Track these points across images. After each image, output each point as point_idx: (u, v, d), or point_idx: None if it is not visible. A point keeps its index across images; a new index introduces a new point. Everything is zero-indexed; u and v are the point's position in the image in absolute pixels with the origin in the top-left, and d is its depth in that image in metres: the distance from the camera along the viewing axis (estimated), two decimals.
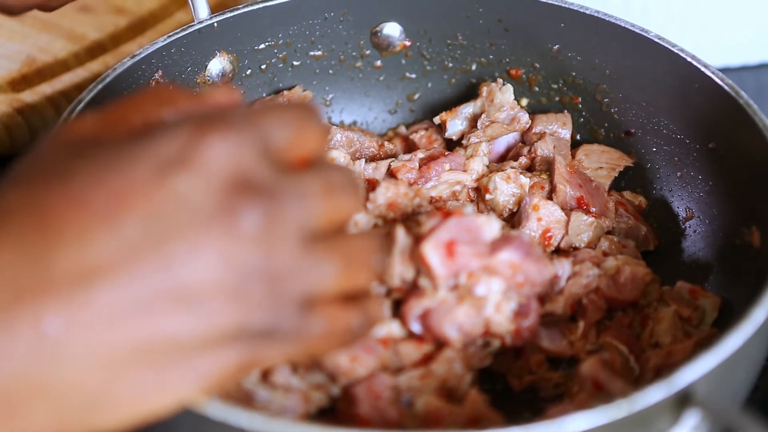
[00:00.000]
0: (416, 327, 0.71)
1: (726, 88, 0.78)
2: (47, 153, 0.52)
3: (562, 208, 0.80)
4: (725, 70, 0.89)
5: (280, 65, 0.90)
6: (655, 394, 0.57)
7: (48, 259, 0.48)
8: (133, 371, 0.49)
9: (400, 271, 0.71)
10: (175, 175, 0.49)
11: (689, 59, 0.80)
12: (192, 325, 0.49)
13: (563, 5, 0.86)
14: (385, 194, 0.76)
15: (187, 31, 0.84)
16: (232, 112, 0.53)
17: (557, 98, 0.91)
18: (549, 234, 0.79)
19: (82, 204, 0.49)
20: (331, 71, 0.92)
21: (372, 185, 0.79)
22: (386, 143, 0.89)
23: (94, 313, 0.48)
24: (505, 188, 0.81)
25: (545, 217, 0.79)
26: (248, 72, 0.89)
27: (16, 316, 0.47)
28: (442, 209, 0.74)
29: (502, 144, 0.88)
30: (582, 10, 0.86)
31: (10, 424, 0.48)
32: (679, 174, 0.85)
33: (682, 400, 0.58)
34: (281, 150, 0.53)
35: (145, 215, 0.49)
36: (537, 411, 0.70)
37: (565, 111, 0.90)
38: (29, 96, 0.96)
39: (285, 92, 0.89)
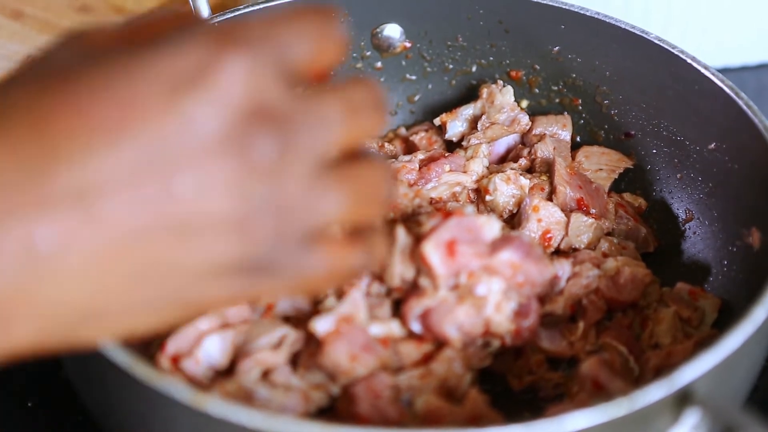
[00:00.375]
0: (416, 326, 0.71)
1: (726, 89, 0.78)
2: (57, 55, 0.50)
3: (562, 210, 0.80)
4: (725, 71, 0.89)
5: None
6: (655, 392, 0.57)
7: (44, 172, 0.46)
8: (125, 292, 0.48)
9: (401, 270, 0.71)
10: (188, 96, 0.47)
11: (689, 61, 0.81)
12: (191, 255, 0.48)
13: (564, 7, 0.86)
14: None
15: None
16: (250, 27, 0.50)
17: (557, 100, 0.91)
18: (549, 235, 0.79)
19: (85, 114, 0.46)
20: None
21: None
22: (386, 144, 0.89)
23: (90, 233, 0.46)
24: (505, 189, 0.81)
25: (545, 218, 0.79)
26: None
27: (6, 229, 0.45)
28: (442, 210, 0.74)
29: (502, 145, 0.88)
30: (582, 12, 0.86)
31: None
32: (679, 176, 0.85)
33: (682, 399, 0.58)
34: (299, 66, 0.51)
35: (153, 136, 0.46)
36: (537, 411, 0.70)
37: (565, 113, 0.90)
38: None
39: None
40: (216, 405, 0.56)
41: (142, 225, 0.47)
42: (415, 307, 0.70)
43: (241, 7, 0.86)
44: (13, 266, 0.46)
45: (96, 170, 0.46)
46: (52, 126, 0.46)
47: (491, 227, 0.72)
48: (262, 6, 0.86)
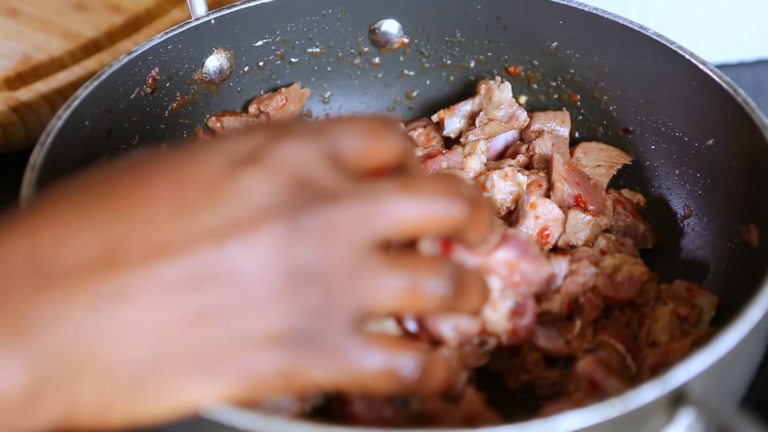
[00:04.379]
0: (412, 326, 0.70)
1: (724, 85, 0.78)
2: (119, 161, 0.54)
3: (560, 206, 0.80)
4: (723, 67, 0.89)
5: (278, 62, 0.90)
6: (649, 392, 0.56)
7: (108, 233, 0.49)
8: (179, 353, 0.49)
9: None
10: (244, 170, 0.50)
11: (687, 56, 0.80)
12: (240, 316, 0.49)
13: (562, 2, 0.86)
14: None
15: (184, 28, 0.84)
16: (304, 123, 0.55)
17: (556, 96, 0.91)
18: (546, 232, 0.79)
19: (149, 187, 0.50)
20: (329, 68, 0.92)
21: None
22: None
23: (149, 288, 0.48)
24: (503, 186, 0.81)
25: (543, 215, 0.79)
26: (246, 69, 0.89)
27: (74, 288, 0.47)
28: None
29: (500, 142, 0.88)
30: (581, 8, 0.85)
31: (55, 398, 0.48)
32: (677, 172, 0.84)
33: (677, 399, 0.57)
34: (352, 158, 0.54)
35: (210, 203, 0.50)
36: (533, 410, 0.70)
37: (564, 109, 0.90)
38: (25, 94, 0.95)
39: (282, 89, 0.89)
40: (208, 406, 0.56)
41: (195, 281, 0.49)
42: None
43: (238, 3, 0.86)
44: (80, 323, 0.48)
45: (154, 232, 0.49)
46: (120, 199, 0.50)
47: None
48: (259, 3, 0.86)
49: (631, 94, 0.86)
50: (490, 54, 0.91)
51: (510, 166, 0.83)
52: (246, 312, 0.50)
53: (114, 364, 0.48)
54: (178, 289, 0.49)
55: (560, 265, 0.75)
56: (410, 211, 0.53)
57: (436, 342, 0.71)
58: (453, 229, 0.56)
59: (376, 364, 0.53)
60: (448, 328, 0.70)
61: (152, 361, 0.49)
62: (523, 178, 0.82)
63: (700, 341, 0.71)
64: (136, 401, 0.50)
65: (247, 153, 0.51)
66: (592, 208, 0.81)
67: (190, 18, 0.85)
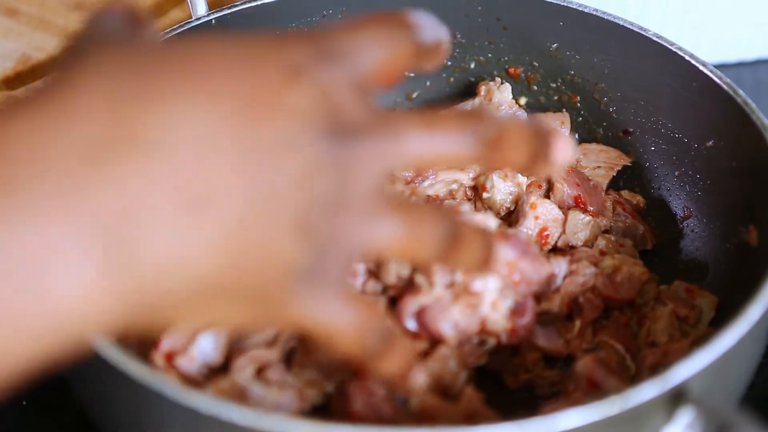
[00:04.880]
0: (411, 324, 0.71)
1: (724, 86, 0.78)
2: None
3: (560, 207, 0.80)
4: (722, 67, 0.89)
5: None
6: (649, 391, 0.56)
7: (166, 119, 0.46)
8: (209, 264, 0.47)
9: (396, 268, 0.71)
10: (292, 87, 0.49)
11: (687, 57, 0.80)
12: (269, 243, 0.48)
13: (562, 3, 0.86)
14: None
15: (185, 28, 0.83)
16: (329, 38, 0.52)
17: (556, 97, 0.91)
18: (546, 232, 0.79)
19: (214, 80, 0.48)
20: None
21: None
22: None
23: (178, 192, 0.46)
24: (503, 186, 0.81)
25: (542, 215, 0.79)
26: None
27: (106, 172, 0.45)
28: None
29: None
30: (581, 9, 0.85)
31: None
32: (677, 173, 0.84)
33: (676, 398, 0.57)
34: (373, 74, 0.52)
35: (263, 117, 0.48)
36: (533, 409, 0.69)
37: (564, 110, 0.90)
38: (24, 94, 0.95)
39: None
40: (207, 403, 0.56)
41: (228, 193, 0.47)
42: (410, 305, 0.70)
43: (238, 3, 0.86)
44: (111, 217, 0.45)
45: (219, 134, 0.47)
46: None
47: (488, 225, 0.72)
48: (259, 3, 0.86)
49: (631, 95, 0.86)
50: (490, 55, 0.91)
51: None
52: (273, 236, 0.48)
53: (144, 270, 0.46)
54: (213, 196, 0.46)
55: (560, 265, 0.75)
56: (427, 148, 0.52)
57: (435, 341, 0.71)
58: (471, 162, 0.55)
59: (352, 318, 0.52)
60: (448, 326, 0.70)
61: (180, 271, 0.47)
62: (522, 179, 0.82)
63: (699, 342, 0.71)
64: (159, 316, 0.48)
65: (296, 66, 0.49)
66: (591, 208, 0.81)
67: (191, 18, 0.85)
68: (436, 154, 0.53)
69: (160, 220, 0.45)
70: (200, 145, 0.46)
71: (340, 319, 0.52)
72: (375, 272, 0.72)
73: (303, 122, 0.48)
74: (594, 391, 0.68)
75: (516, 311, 0.71)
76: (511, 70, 0.91)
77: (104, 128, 0.46)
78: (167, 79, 0.48)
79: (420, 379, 0.68)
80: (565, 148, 0.55)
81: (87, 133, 0.45)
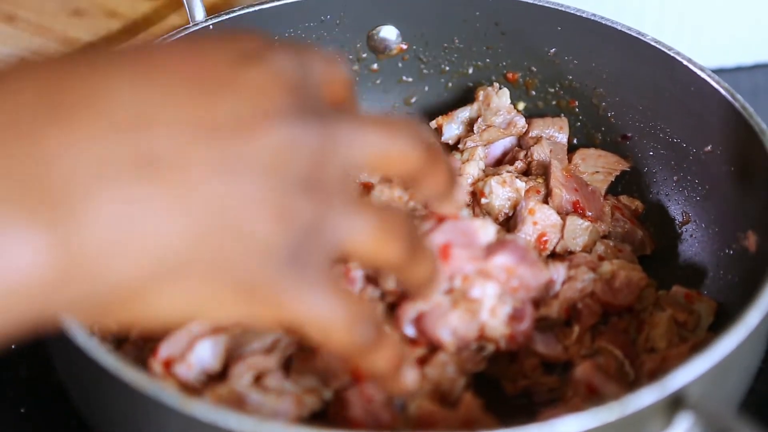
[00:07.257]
0: (410, 330, 0.71)
1: (722, 91, 0.78)
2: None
3: (558, 212, 0.80)
4: (720, 71, 0.89)
5: None
6: (647, 396, 0.56)
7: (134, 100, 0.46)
8: (190, 250, 0.46)
9: None
10: (249, 66, 0.49)
11: (685, 62, 0.80)
12: (244, 222, 0.47)
13: (560, 8, 0.86)
14: (379, 198, 0.76)
15: (183, 33, 0.83)
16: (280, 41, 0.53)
17: (554, 102, 0.91)
18: (545, 238, 0.79)
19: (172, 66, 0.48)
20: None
21: (366, 189, 0.79)
22: None
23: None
24: (501, 192, 0.81)
25: (541, 221, 0.79)
26: None
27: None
28: (436, 213, 0.74)
29: (498, 148, 0.88)
30: (579, 14, 0.85)
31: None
32: (675, 178, 0.84)
33: (675, 403, 0.57)
34: (320, 84, 0.53)
35: (221, 95, 0.48)
36: (531, 416, 0.69)
37: (562, 115, 0.90)
38: None
39: None
40: (204, 410, 0.56)
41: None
42: (409, 311, 0.70)
43: (236, 9, 0.86)
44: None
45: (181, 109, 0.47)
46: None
47: (486, 231, 0.72)
48: (257, 8, 0.86)
49: (629, 100, 0.86)
50: (488, 60, 0.91)
51: (508, 172, 0.83)
52: (249, 216, 0.47)
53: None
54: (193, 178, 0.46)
55: (558, 271, 0.75)
56: (372, 149, 0.53)
57: (434, 347, 0.71)
58: (410, 171, 0.55)
59: (339, 310, 0.52)
60: (447, 332, 0.70)
61: (156, 259, 0.46)
62: (521, 185, 0.82)
63: (698, 347, 0.71)
64: (136, 308, 0.47)
65: (247, 53, 0.50)
66: (590, 214, 0.81)
67: (188, 23, 0.85)
68: (379, 155, 0.53)
69: (107, 182, 0.44)
70: (141, 112, 0.46)
71: (327, 311, 0.51)
72: (373, 278, 0.72)
73: (263, 99, 0.48)
74: (592, 397, 0.67)
75: (514, 317, 0.71)
76: (510, 75, 0.91)
77: (45, 98, 0.45)
78: (107, 61, 0.48)
79: (411, 376, 0.68)
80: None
81: (27, 101, 0.45)
